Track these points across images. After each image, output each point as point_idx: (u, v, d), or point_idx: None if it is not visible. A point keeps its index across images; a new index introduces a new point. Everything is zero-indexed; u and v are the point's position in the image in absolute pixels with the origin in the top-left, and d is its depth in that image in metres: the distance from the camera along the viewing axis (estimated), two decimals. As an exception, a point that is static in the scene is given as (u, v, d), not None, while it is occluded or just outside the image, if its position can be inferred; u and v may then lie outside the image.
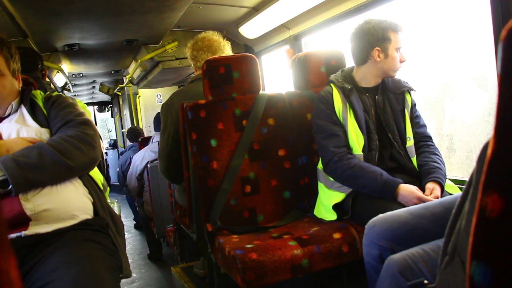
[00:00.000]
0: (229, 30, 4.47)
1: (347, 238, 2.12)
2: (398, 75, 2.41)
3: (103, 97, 10.71)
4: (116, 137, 11.40)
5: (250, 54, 2.63)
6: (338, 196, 2.29)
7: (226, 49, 2.93)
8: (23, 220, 1.54)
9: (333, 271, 2.20)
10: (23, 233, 1.53)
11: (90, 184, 1.83)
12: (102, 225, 1.75)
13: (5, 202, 1.54)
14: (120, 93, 9.01)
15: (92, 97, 10.89)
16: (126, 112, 8.77)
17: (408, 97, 2.42)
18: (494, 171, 0.63)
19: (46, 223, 1.59)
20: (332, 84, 2.42)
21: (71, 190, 1.70)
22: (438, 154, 2.36)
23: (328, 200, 2.33)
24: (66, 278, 1.38)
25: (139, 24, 3.94)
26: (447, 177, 2.29)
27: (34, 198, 1.58)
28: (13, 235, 1.52)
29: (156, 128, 5.29)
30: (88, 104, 11.58)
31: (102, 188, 1.96)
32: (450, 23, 2.89)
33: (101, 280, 1.42)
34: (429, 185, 2.16)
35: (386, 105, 2.38)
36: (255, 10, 4.00)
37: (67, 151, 1.64)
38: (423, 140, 2.41)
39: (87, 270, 1.43)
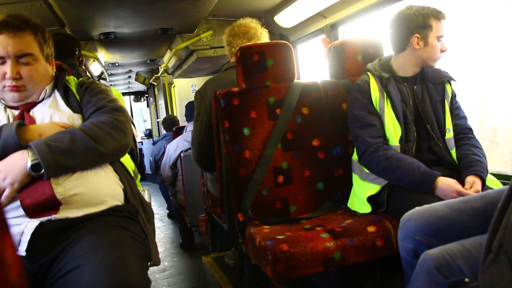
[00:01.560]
0: (265, 19, 4.41)
1: (382, 232, 2.05)
2: (439, 64, 2.32)
3: (139, 87, 10.83)
4: (152, 126, 11.52)
5: (285, 42, 2.57)
6: (373, 188, 2.22)
7: (263, 37, 2.88)
8: (54, 204, 1.55)
9: (366, 266, 2.14)
10: (54, 216, 1.54)
11: (121, 170, 1.82)
12: (132, 212, 1.74)
13: (36, 185, 1.55)
14: (155, 83, 9.09)
15: (128, 86, 11.03)
16: (161, 102, 8.84)
17: (448, 87, 2.33)
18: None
19: (76, 208, 1.59)
20: (369, 73, 2.35)
21: (102, 176, 1.70)
22: (479, 146, 2.26)
23: (362, 192, 2.26)
24: (94, 263, 1.37)
25: (174, 12, 3.93)
26: (489, 171, 2.19)
27: (65, 183, 1.58)
28: (43, 219, 1.53)
29: (188, 118, 5.30)
30: (124, 94, 11.74)
31: (133, 175, 1.95)
32: (496, 7, 2.76)
33: (129, 266, 1.40)
34: (469, 179, 2.07)
35: (425, 96, 2.30)
36: (291, -2, 3.94)
37: (99, 136, 1.64)
38: (463, 132, 2.32)
39: (115, 256, 1.42)
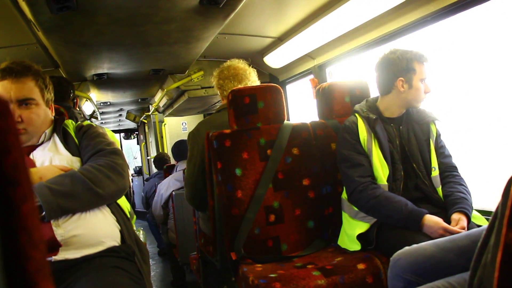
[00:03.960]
0: (254, 60, 4.53)
1: (372, 269, 2.10)
2: (427, 104, 2.42)
3: (129, 124, 10.89)
4: (142, 164, 11.53)
5: (275, 85, 2.66)
6: (362, 226, 2.28)
7: (252, 77, 2.94)
8: (54, 246, 1.59)
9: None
10: (53, 258, 1.58)
11: (118, 212, 1.87)
12: (128, 252, 1.79)
13: None
14: (146, 121, 9.14)
15: (119, 124, 11.08)
16: (151, 139, 8.89)
17: (433, 127, 2.42)
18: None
19: (75, 249, 1.64)
20: (357, 114, 2.44)
21: (100, 218, 1.75)
22: (464, 184, 2.33)
23: (352, 230, 2.32)
24: None
25: (166, 55, 4.02)
26: (474, 207, 2.26)
27: (65, 224, 1.63)
28: None
29: (176, 158, 5.34)
30: (115, 131, 11.78)
31: (129, 216, 1.99)
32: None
33: None
34: (455, 216, 2.14)
35: (410, 135, 2.38)
36: (279, 40, 4.06)
37: (98, 179, 1.70)
38: (448, 170, 2.39)
39: None
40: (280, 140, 2.56)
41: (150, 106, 7.52)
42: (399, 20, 2.88)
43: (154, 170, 7.17)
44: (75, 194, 1.63)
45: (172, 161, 6.39)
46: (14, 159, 0.39)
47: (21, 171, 0.40)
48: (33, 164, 1.78)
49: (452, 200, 2.25)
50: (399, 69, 2.31)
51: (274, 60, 4.48)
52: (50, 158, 1.81)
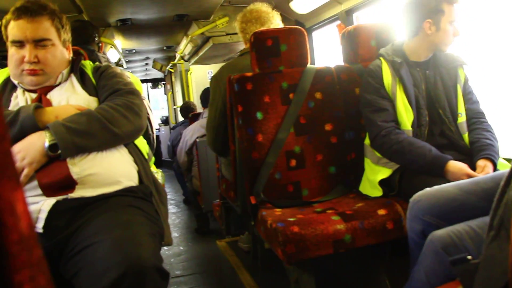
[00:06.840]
0: (280, 5, 4.40)
1: (392, 215, 2.07)
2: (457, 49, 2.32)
3: (156, 74, 10.89)
4: (168, 113, 11.58)
5: (298, 27, 2.58)
6: (384, 172, 2.24)
7: (275, 20, 2.90)
8: (70, 183, 1.59)
9: (376, 248, 2.16)
10: (70, 195, 1.58)
11: (135, 152, 1.86)
12: (145, 193, 1.78)
13: (53, 165, 1.59)
14: (172, 70, 9.12)
15: (146, 74, 11.10)
16: (178, 88, 8.89)
17: (461, 72, 2.32)
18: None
19: (92, 187, 1.64)
20: (381, 58, 2.36)
21: (117, 157, 1.74)
22: (491, 131, 2.26)
23: (374, 175, 2.28)
24: (108, 241, 1.41)
25: (190, -2, 3.96)
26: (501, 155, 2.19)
27: (81, 163, 1.63)
28: (60, 197, 1.57)
29: (204, 104, 5.33)
30: (142, 81, 11.79)
31: (147, 157, 1.99)
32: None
33: (141, 244, 1.44)
34: (480, 163, 2.08)
35: (437, 80, 2.30)
36: (306, -16, 3.93)
37: (114, 118, 1.68)
38: (476, 117, 2.31)
39: (128, 234, 1.46)
40: (302, 84, 2.50)
41: (176, 54, 7.48)
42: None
43: (181, 119, 7.19)
44: (91, 133, 1.63)
45: (198, 110, 6.40)
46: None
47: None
48: (50, 104, 1.77)
49: (478, 146, 2.18)
50: (426, 10, 2.20)
51: (301, 5, 4.35)
52: (67, 98, 1.79)
